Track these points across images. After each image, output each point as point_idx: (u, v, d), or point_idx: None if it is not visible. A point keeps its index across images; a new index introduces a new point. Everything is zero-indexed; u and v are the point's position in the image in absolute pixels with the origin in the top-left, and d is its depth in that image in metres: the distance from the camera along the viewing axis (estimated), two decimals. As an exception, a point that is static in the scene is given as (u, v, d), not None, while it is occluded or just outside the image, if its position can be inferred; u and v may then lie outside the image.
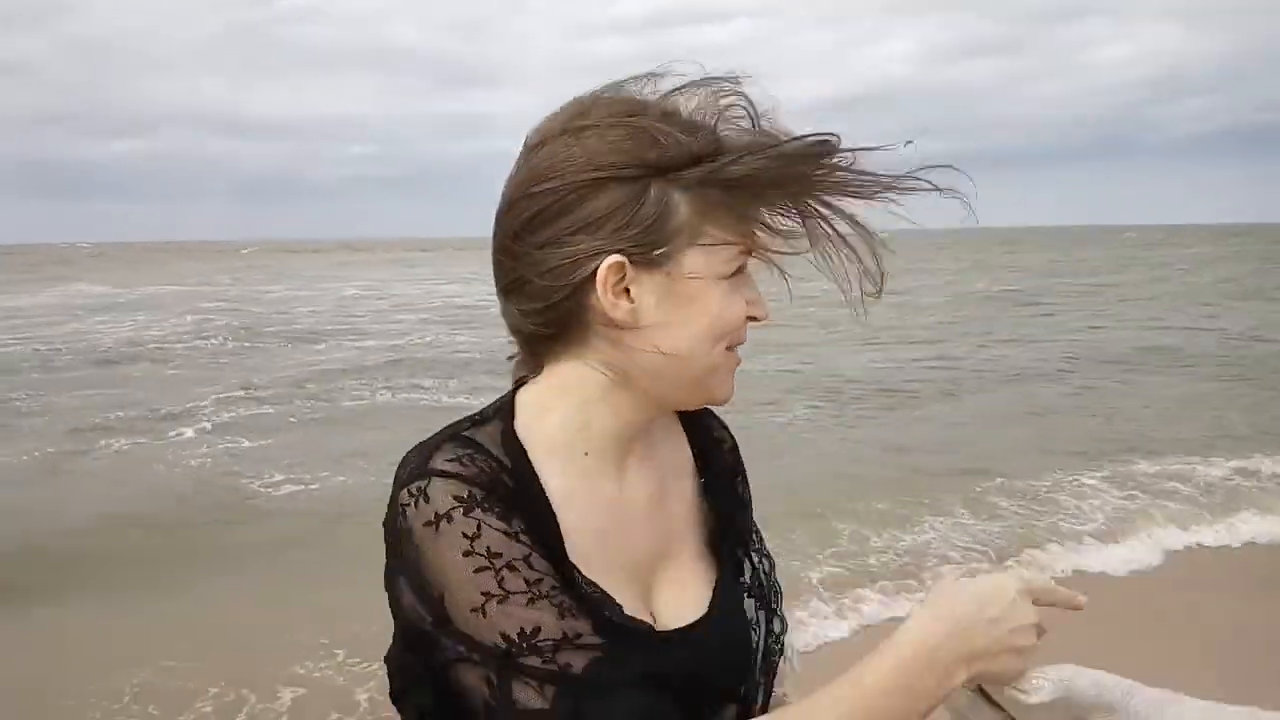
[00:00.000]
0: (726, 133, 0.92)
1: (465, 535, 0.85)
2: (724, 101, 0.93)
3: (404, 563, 0.86)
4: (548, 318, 0.93)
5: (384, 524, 0.89)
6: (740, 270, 0.94)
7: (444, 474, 0.87)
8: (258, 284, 36.85)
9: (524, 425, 0.95)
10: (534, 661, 0.82)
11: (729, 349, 0.95)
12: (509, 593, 0.84)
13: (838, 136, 0.91)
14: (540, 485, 0.92)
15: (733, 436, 1.14)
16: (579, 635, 0.84)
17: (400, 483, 0.88)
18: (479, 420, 0.96)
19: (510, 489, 0.89)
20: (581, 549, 0.91)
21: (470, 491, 0.87)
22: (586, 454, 0.96)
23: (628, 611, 0.92)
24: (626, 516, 0.98)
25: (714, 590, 1.01)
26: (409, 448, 0.92)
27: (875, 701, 0.87)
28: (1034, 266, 44.68)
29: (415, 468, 0.88)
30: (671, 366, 0.94)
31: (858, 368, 14.17)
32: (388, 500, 0.89)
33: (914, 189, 0.91)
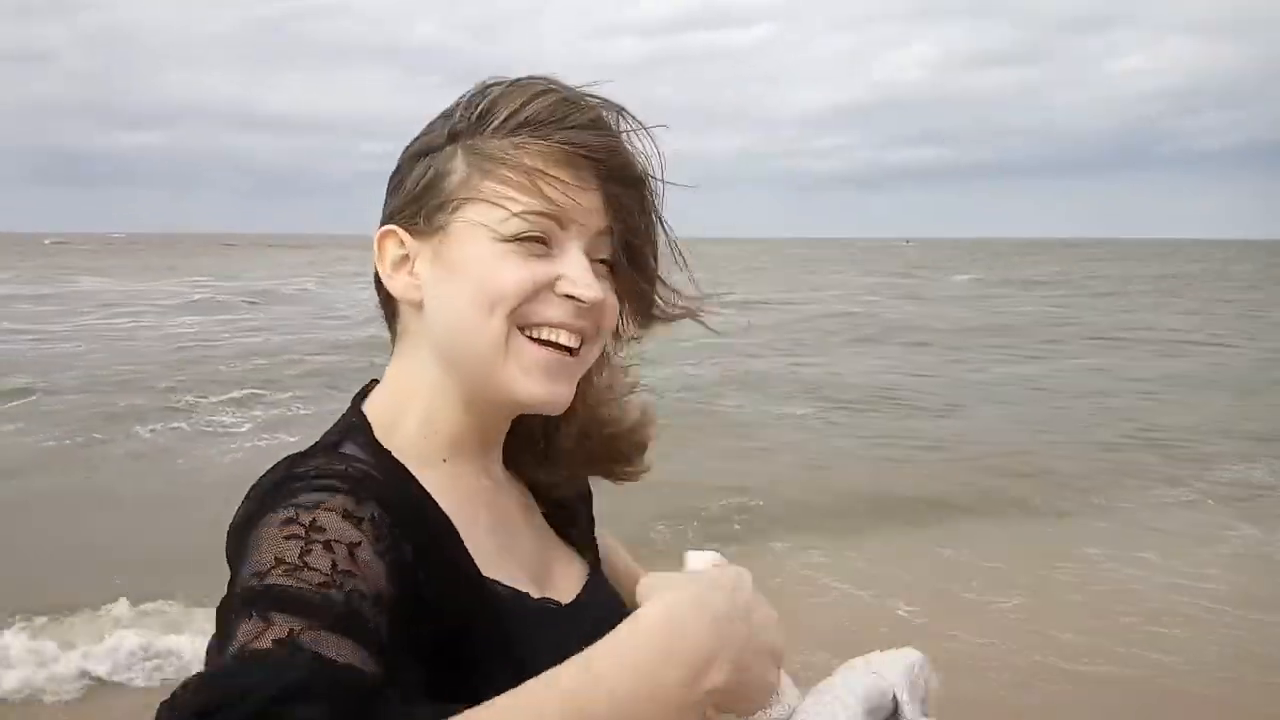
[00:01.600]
0: (520, 94, 0.86)
1: (298, 507, 0.71)
2: (555, 88, 0.87)
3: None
4: (383, 311, 0.93)
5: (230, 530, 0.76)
6: (536, 239, 0.84)
7: (311, 476, 0.75)
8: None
9: (383, 439, 0.86)
10: (271, 630, 0.64)
11: (527, 332, 0.85)
12: (306, 565, 0.67)
13: (620, 108, 0.87)
14: (420, 485, 0.83)
15: None
16: (346, 653, 0.64)
17: (262, 490, 0.76)
18: (335, 442, 0.84)
19: (381, 483, 0.78)
20: (476, 548, 0.82)
21: (336, 483, 0.74)
22: (445, 460, 0.89)
23: (536, 596, 0.87)
24: (508, 519, 0.93)
25: (586, 583, 0.97)
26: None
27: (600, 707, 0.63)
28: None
29: (281, 475, 0.77)
30: (457, 346, 0.86)
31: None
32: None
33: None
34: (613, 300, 0.89)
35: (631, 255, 0.90)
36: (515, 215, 0.84)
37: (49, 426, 10.42)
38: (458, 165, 0.86)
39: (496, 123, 0.85)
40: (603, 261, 0.89)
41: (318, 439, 0.86)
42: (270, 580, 0.67)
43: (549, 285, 0.85)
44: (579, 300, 0.85)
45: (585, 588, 0.96)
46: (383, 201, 0.92)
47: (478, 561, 0.82)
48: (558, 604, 0.90)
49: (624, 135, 0.87)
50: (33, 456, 9.27)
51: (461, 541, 0.82)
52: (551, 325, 0.86)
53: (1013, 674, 4.98)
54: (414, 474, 0.84)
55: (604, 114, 0.86)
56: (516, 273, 0.84)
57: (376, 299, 0.93)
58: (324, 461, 0.78)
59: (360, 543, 0.71)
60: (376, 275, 0.91)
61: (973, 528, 7.38)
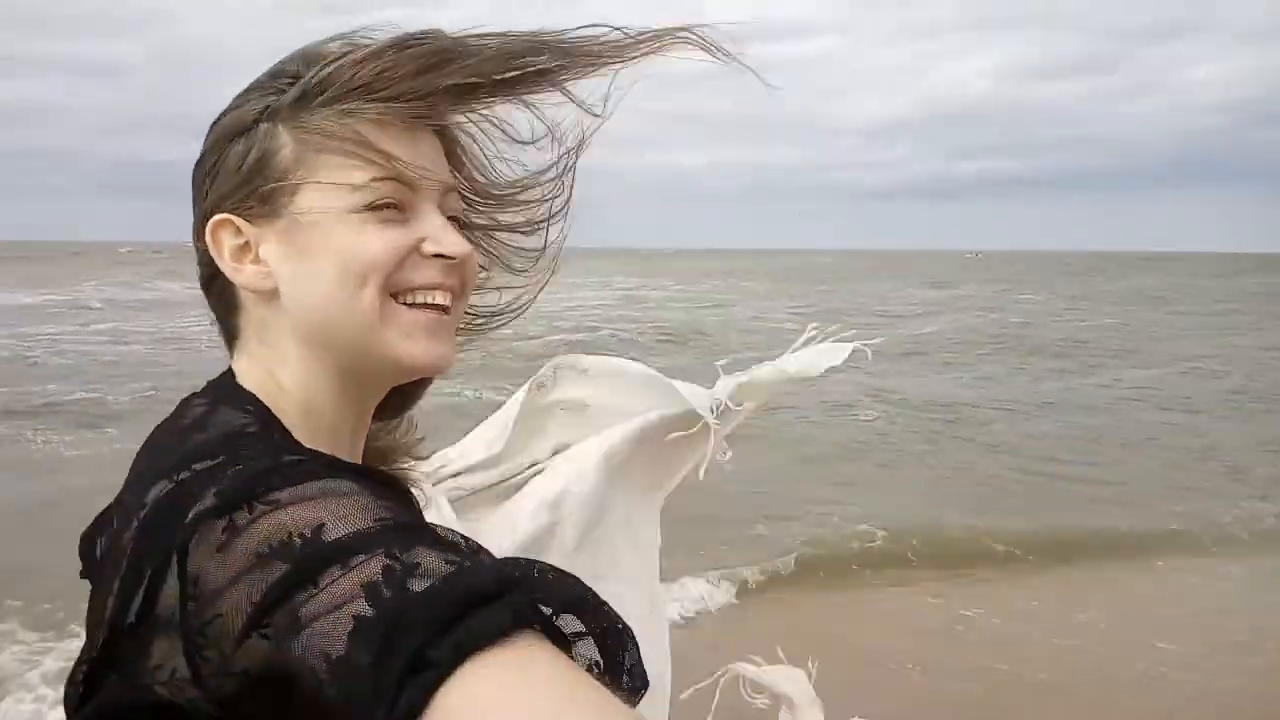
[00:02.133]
0: (337, 61, 0.82)
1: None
2: (373, 36, 0.84)
3: None
4: (215, 309, 0.89)
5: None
6: (388, 205, 0.82)
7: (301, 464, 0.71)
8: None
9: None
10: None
11: (398, 297, 0.83)
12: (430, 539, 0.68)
13: (439, 31, 0.83)
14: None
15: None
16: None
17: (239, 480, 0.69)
18: (264, 437, 0.78)
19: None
20: None
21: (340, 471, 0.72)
22: (315, 433, 0.84)
23: None
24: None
25: None
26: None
27: None
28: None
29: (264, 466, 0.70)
30: (328, 326, 0.83)
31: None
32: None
33: (533, 91, 0.86)
34: (475, 255, 0.88)
35: (477, 201, 0.90)
36: (363, 186, 0.81)
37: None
38: (284, 142, 0.82)
39: (319, 95, 0.82)
40: (452, 219, 0.87)
41: (216, 441, 0.76)
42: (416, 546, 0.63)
43: (414, 248, 0.83)
44: (447, 257, 0.84)
45: None
46: (192, 194, 0.87)
47: None
48: None
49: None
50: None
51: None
52: (425, 288, 0.84)
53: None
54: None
55: (431, 60, 0.82)
56: (381, 241, 0.81)
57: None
58: (296, 458, 0.72)
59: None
60: (207, 271, 0.87)
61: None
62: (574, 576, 0.63)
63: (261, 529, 0.64)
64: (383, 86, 0.81)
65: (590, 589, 0.62)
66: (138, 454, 0.81)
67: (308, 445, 0.78)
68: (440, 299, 0.85)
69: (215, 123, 0.86)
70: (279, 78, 0.84)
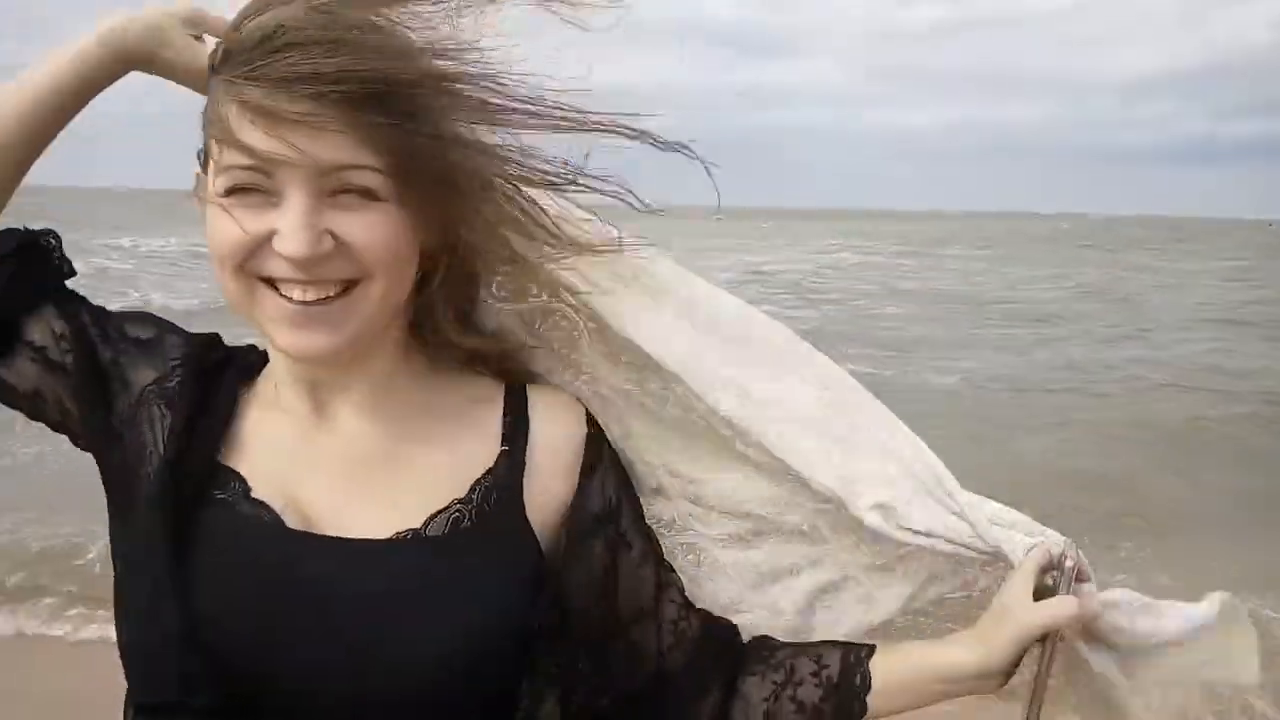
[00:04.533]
0: (242, 17, 0.81)
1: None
2: None
3: None
4: None
5: None
6: (249, 189, 0.80)
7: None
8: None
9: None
10: None
11: (268, 281, 0.83)
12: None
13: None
14: (240, 379, 0.96)
15: (589, 425, 0.99)
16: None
17: None
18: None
19: (220, 357, 0.98)
20: (241, 450, 0.92)
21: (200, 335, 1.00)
22: (275, 386, 0.95)
23: (256, 495, 0.88)
24: (309, 457, 0.92)
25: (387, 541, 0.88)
26: None
27: None
28: None
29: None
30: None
31: None
32: None
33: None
34: (375, 233, 0.82)
35: (409, 169, 0.81)
36: (223, 170, 0.81)
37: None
38: (207, 106, 0.84)
39: (218, 57, 0.82)
40: (354, 191, 0.81)
41: None
42: None
43: (266, 239, 0.81)
44: (287, 258, 0.80)
45: (382, 543, 0.88)
46: None
47: (227, 449, 0.92)
48: (282, 524, 0.87)
49: (351, 33, 0.78)
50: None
51: (221, 425, 0.92)
52: (281, 280, 0.82)
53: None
54: (252, 378, 0.97)
55: (317, 18, 0.78)
56: (226, 232, 0.81)
57: None
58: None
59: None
60: None
61: None
62: None
63: None
64: (252, 53, 0.78)
65: None
66: None
67: (272, 368, 0.96)
68: (295, 293, 0.82)
69: None
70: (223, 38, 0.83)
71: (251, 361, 0.98)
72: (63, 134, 0.93)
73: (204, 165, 0.85)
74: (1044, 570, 0.93)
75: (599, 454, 0.98)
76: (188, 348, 0.97)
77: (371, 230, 0.82)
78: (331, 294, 0.83)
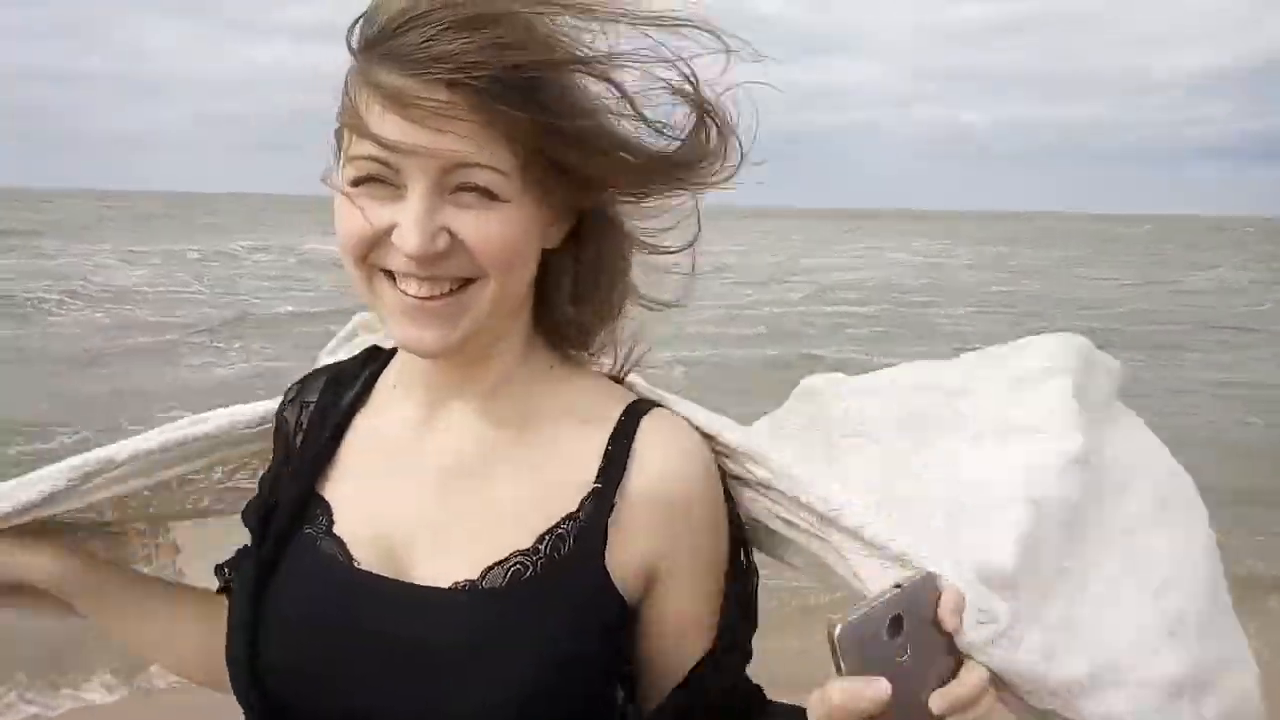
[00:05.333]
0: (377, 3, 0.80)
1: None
2: None
3: None
4: None
5: None
6: (375, 180, 0.80)
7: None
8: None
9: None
10: None
11: (387, 274, 0.83)
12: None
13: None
14: (358, 392, 0.99)
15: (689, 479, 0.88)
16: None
17: None
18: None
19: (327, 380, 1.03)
20: (339, 474, 0.95)
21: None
22: (394, 386, 0.97)
23: (336, 530, 0.90)
24: (405, 466, 0.91)
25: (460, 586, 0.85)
26: None
27: None
28: None
29: None
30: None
31: None
32: None
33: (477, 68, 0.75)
34: (492, 234, 0.80)
35: (538, 165, 0.80)
36: (351, 160, 0.80)
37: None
38: (346, 93, 0.82)
39: (354, 41, 0.81)
40: (475, 189, 0.79)
41: None
42: None
43: (386, 232, 0.81)
44: (405, 253, 0.80)
45: (452, 590, 0.85)
46: None
47: (325, 475, 0.95)
48: (353, 567, 0.88)
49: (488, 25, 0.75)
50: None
51: (325, 450, 0.95)
52: (399, 274, 0.82)
53: None
54: (370, 387, 1.00)
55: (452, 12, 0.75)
56: (351, 223, 0.81)
57: None
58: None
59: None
60: None
61: None
62: None
63: None
64: (389, 38, 0.77)
65: None
66: None
67: (394, 367, 1.00)
68: (411, 287, 0.82)
69: None
70: (362, 16, 0.81)
71: (365, 373, 1.02)
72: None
73: (337, 151, 0.84)
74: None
75: (704, 514, 0.89)
76: (281, 401, 1.04)
77: (488, 231, 0.80)
78: (446, 291, 0.82)
